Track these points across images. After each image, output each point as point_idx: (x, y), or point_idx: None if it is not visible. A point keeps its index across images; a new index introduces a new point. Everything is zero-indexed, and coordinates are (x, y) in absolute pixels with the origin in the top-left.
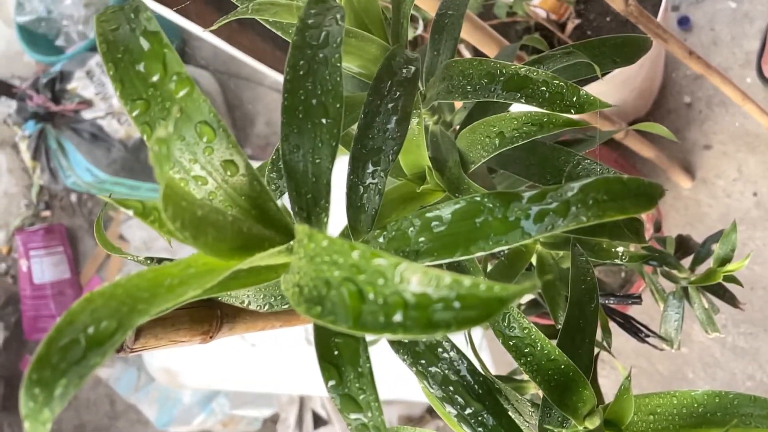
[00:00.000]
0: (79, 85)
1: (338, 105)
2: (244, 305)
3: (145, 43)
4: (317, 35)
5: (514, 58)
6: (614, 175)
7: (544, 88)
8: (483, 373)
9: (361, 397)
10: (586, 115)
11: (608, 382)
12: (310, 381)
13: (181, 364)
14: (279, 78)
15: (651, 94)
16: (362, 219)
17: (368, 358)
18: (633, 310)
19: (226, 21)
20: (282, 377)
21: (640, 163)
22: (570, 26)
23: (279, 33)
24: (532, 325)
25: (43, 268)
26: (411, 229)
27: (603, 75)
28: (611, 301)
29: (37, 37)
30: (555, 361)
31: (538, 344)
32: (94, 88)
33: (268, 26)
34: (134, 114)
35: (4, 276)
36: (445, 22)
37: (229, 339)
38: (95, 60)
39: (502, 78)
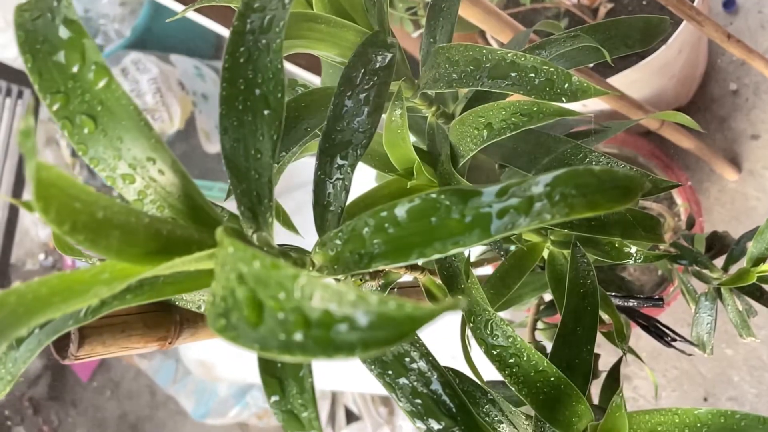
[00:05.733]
0: None
1: (279, 95)
2: (201, 310)
3: (64, 32)
4: (260, 20)
5: (525, 44)
6: (585, 167)
7: (532, 75)
8: (476, 380)
9: (304, 414)
10: (617, 105)
11: (646, 384)
12: (341, 377)
13: (216, 357)
14: (305, 76)
15: (693, 82)
16: (328, 217)
17: (310, 371)
18: (668, 312)
19: (189, 9)
20: (314, 372)
21: (681, 155)
22: (602, 11)
23: None
24: (516, 333)
25: None
26: (366, 229)
27: (641, 59)
28: (631, 303)
29: None
30: (543, 373)
31: (525, 354)
32: (128, 86)
33: None
34: (54, 108)
35: (51, 269)
36: (442, 7)
37: None
38: (130, 58)
39: (488, 64)
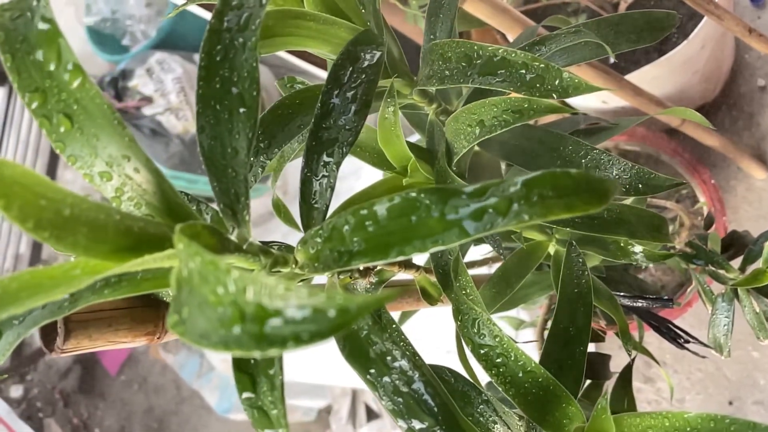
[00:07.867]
0: (139, 82)
1: (254, 93)
2: None
3: (41, 32)
4: (237, 18)
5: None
6: (562, 170)
7: (523, 71)
8: (471, 380)
9: (273, 411)
10: (636, 102)
11: (666, 386)
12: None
13: None
14: (317, 73)
15: (719, 77)
16: (314, 215)
17: (281, 369)
18: (691, 313)
19: (188, 5)
20: (335, 369)
21: (708, 153)
22: (623, 5)
23: None
24: (503, 332)
25: None
26: (346, 227)
27: (663, 54)
28: (640, 304)
29: (105, 37)
30: (531, 374)
31: (512, 354)
32: (153, 85)
33: None
34: (33, 106)
35: None
36: (442, 3)
37: None
38: (155, 58)
39: (479, 61)
